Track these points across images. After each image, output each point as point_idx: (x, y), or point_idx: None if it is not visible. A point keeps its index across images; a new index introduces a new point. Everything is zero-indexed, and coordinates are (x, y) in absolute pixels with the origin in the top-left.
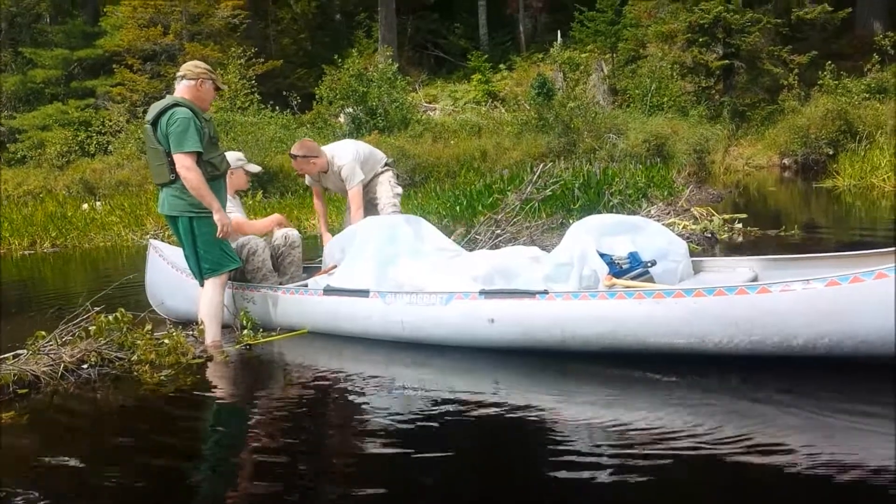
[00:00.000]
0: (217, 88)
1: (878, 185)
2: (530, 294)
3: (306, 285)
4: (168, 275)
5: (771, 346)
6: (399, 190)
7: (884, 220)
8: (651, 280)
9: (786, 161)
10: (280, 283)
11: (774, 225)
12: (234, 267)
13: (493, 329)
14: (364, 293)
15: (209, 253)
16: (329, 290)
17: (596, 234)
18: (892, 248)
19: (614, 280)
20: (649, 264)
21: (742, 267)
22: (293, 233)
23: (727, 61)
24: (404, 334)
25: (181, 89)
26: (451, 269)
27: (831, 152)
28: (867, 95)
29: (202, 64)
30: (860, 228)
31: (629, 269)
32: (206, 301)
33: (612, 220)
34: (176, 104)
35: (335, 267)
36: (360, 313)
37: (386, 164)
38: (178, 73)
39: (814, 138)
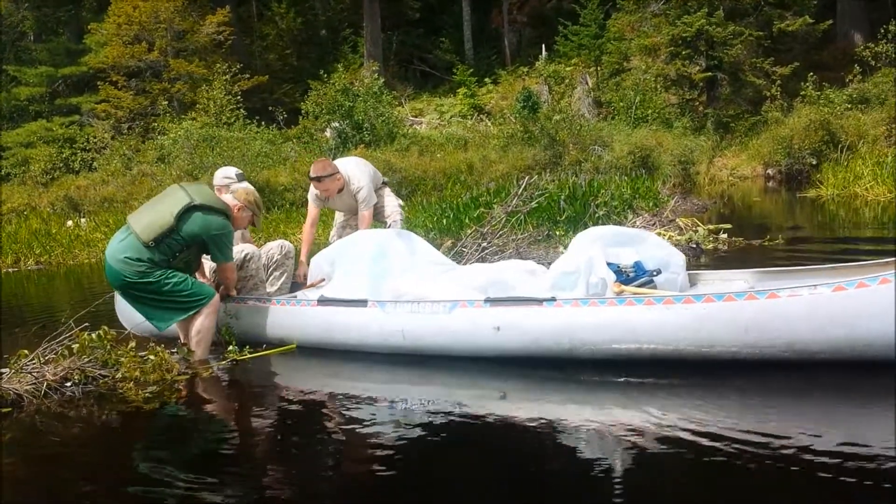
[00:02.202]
0: (252, 224)
1: (861, 194)
2: (537, 301)
3: (295, 297)
4: None
5: (779, 351)
6: (400, 201)
7: (868, 228)
8: (656, 289)
9: (770, 171)
10: (269, 295)
11: (759, 235)
12: (211, 297)
13: (499, 337)
14: (362, 303)
15: (183, 295)
16: (323, 301)
17: (600, 244)
18: (887, 259)
19: (623, 287)
20: (655, 273)
21: (737, 279)
22: (288, 244)
23: (710, 73)
24: (405, 344)
25: (226, 198)
26: (447, 280)
27: (814, 162)
28: (849, 106)
29: (256, 197)
30: (845, 237)
31: (635, 277)
32: (199, 320)
33: (614, 231)
34: (227, 216)
35: (322, 281)
36: (356, 323)
37: (383, 183)
38: (234, 186)
39: (797, 148)
